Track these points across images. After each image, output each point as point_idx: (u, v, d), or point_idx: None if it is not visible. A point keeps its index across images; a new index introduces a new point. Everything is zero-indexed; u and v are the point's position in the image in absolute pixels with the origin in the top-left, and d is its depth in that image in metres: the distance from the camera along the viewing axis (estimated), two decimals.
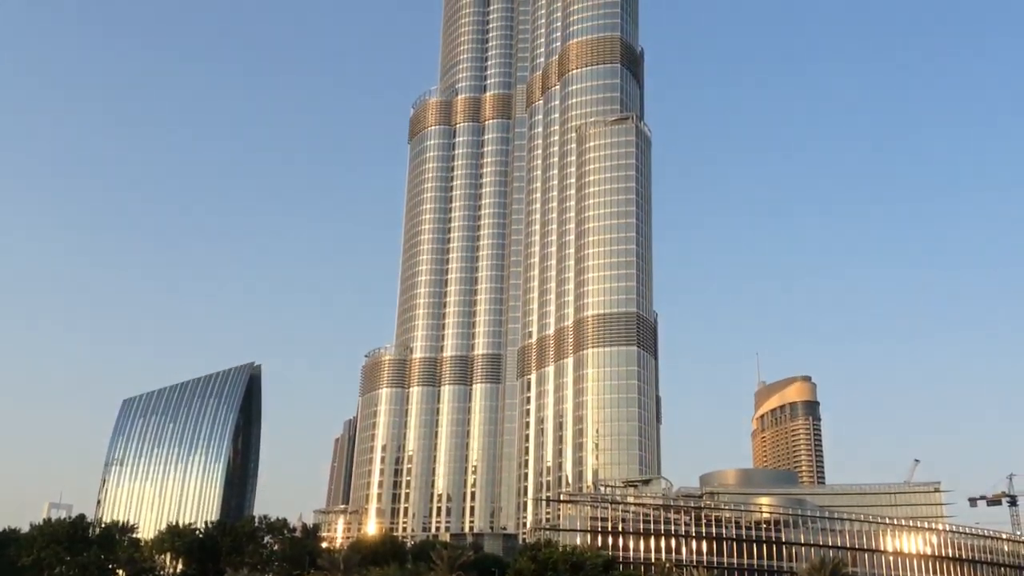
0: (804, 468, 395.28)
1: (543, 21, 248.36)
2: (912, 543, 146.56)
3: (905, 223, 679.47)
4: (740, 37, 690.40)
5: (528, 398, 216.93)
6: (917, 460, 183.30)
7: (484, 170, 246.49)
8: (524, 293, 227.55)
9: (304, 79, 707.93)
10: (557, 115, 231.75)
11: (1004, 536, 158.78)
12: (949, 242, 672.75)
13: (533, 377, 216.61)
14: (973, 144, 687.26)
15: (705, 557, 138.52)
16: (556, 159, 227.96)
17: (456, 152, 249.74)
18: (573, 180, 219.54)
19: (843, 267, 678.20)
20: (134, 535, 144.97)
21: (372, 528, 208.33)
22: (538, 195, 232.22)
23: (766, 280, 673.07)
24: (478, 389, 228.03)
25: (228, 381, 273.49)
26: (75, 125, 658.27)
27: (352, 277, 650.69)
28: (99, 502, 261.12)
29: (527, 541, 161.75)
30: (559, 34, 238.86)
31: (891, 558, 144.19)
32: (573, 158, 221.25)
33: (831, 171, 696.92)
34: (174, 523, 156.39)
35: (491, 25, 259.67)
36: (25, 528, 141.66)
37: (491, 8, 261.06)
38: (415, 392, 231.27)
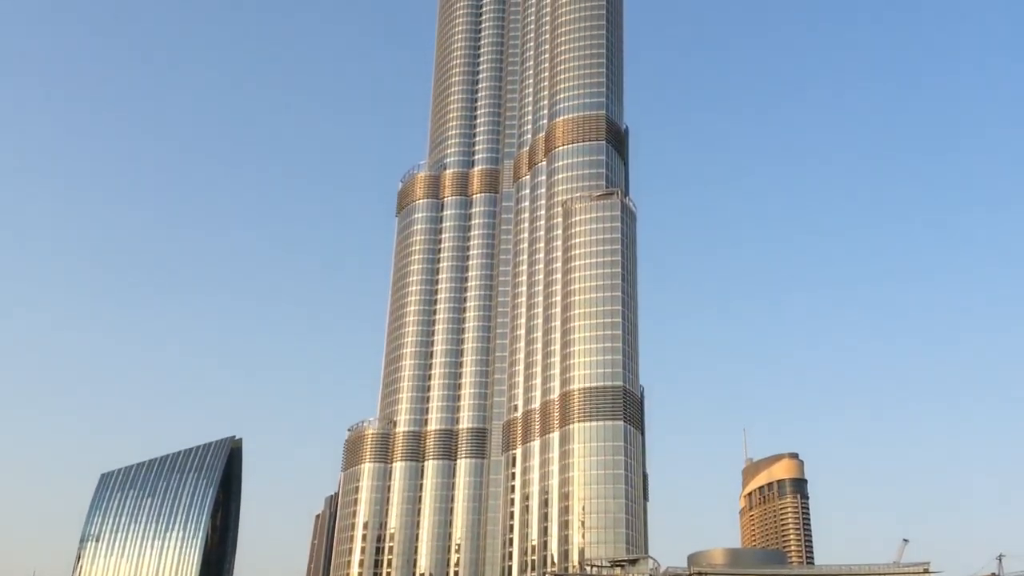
0: (793, 547, 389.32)
1: (530, 99, 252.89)
2: None
3: (892, 299, 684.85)
4: (724, 115, 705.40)
5: (513, 474, 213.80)
6: (906, 540, 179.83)
7: (471, 243, 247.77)
8: (510, 366, 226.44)
9: (290, 154, 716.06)
10: (544, 190, 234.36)
11: None
12: (938, 315, 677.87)
13: (518, 452, 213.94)
14: (960, 218, 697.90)
15: None
16: (542, 233, 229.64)
17: (443, 225, 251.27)
18: (559, 254, 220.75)
19: (830, 341, 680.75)
20: None
21: None
22: (524, 268, 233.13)
23: (753, 354, 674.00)
24: (462, 464, 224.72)
25: (208, 455, 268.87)
26: (47, 190, 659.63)
27: (336, 350, 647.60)
28: None
29: None
30: (546, 112, 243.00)
31: None
32: (559, 232, 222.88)
33: (817, 249, 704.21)
34: None
35: (480, 103, 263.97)
36: None
37: (479, 87, 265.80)
38: (398, 467, 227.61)
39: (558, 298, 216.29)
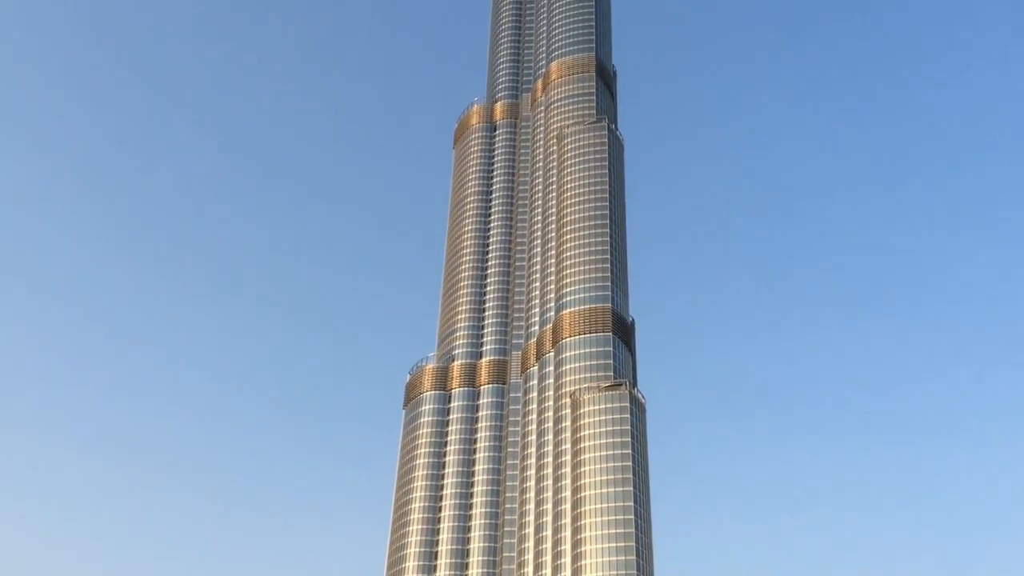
0: None
1: (537, 292, 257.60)
2: None
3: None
4: (723, 308, 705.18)
5: None
6: None
7: (478, 435, 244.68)
8: (519, 555, 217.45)
9: (300, 341, 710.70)
10: (551, 380, 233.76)
11: None
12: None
13: None
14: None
15: None
16: (551, 424, 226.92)
17: (451, 417, 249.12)
18: (568, 446, 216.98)
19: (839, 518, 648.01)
20: None
21: None
22: (532, 460, 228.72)
23: (771, 523, 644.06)
24: None
25: None
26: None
27: (344, 540, 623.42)
28: None
29: None
30: (553, 304, 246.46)
31: None
32: (568, 423, 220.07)
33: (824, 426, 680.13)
34: None
35: (488, 296, 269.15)
36: None
37: (488, 281, 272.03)
38: None
39: (567, 493, 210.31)
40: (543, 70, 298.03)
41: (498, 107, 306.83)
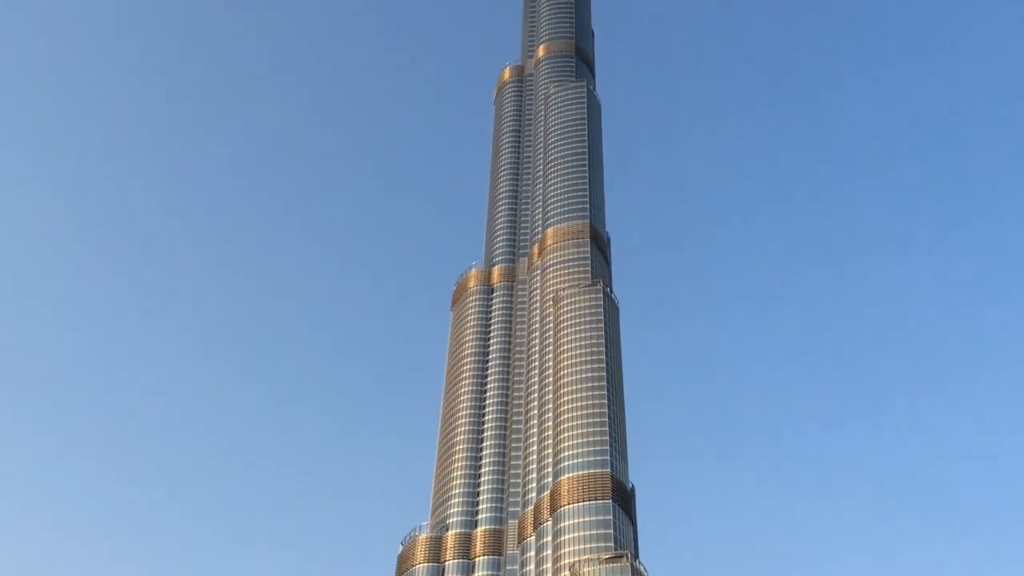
0: None
1: (534, 458, 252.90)
2: None
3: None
4: (737, 470, 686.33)
5: None
6: None
7: None
8: None
9: (285, 507, 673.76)
10: (549, 551, 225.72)
11: None
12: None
13: None
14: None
15: None
16: None
17: None
18: None
19: None
20: None
21: None
22: None
23: None
24: None
25: None
26: None
27: None
28: None
29: None
30: (550, 470, 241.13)
31: None
32: None
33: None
34: None
35: (483, 463, 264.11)
36: None
37: (484, 446, 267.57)
38: None
39: None
40: (539, 235, 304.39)
41: (495, 270, 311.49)
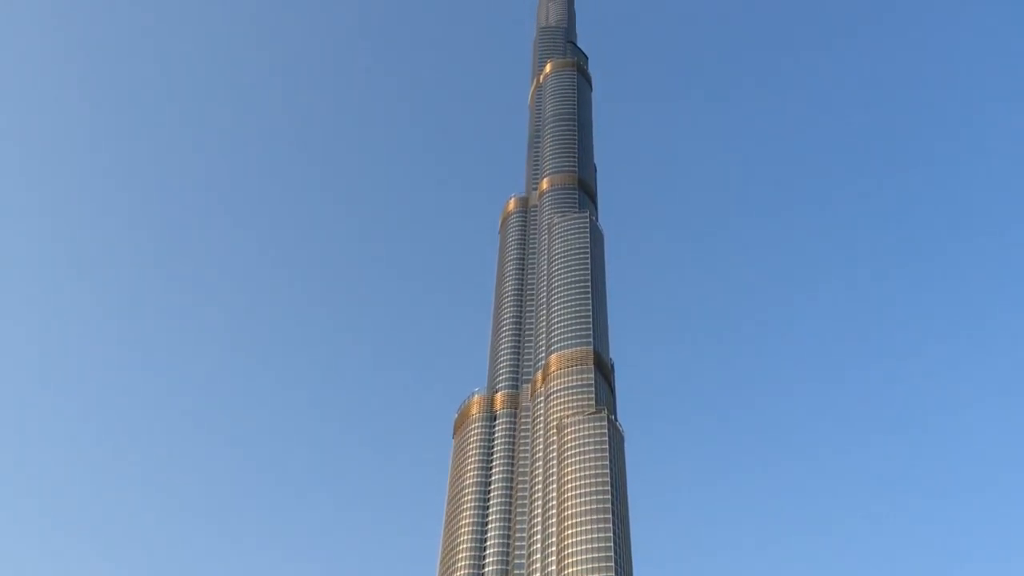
0: None
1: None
2: None
3: None
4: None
5: None
6: None
7: None
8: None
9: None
10: None
11: None
12: None
13: None
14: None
15: None
16: None
17: None
18: None
19: None
20: None
21: None
22: None
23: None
24: None
25: None
26: None
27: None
28: None
29: None
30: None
31: None
32: None
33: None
34: None
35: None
36: None
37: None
38: None
39: None
40: (543, 361, 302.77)
41: (498, 397, 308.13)
